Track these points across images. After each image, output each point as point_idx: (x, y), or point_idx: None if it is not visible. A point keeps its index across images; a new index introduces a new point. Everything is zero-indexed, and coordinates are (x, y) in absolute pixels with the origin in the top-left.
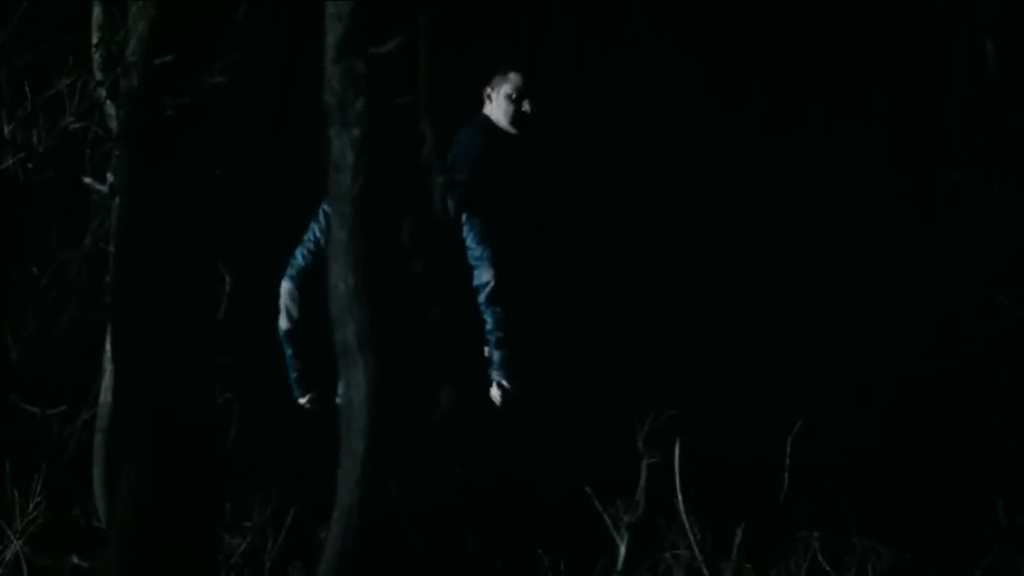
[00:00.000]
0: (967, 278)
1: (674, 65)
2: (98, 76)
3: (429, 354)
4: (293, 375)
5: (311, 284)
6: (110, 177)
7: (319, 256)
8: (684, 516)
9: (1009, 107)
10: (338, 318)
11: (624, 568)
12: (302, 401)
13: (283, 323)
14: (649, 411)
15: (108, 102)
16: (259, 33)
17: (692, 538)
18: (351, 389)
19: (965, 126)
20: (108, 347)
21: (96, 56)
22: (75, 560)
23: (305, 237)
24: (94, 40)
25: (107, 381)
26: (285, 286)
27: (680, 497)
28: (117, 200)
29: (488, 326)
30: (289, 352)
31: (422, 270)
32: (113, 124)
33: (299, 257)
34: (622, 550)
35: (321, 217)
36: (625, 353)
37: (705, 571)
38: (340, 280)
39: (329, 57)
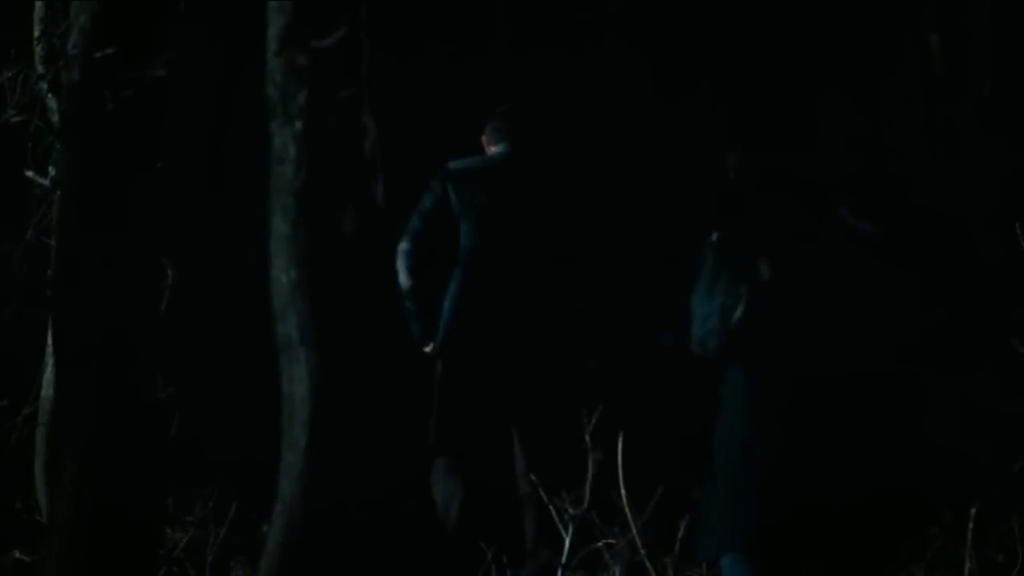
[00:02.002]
0: (913, 274)
1: (620, 58)
2: (40, 69)
3: (372, 348)
4: (419, 326)
5: (426, 246)
6: (51, 171)
7: (432, 222)
8: (627, 509)
9: (955, 100)
10: (280, 312)
11: (568, 561)
12: (427, 350)
13: (405, 281)
14: (597, 404)
15: (50, 95)
16: (202, 27)
17: (635, 531)
18: (293, 383)
19: (912, 119)
20: (49, 341)
21: (38, 49)
22: (17, 555)
23: (421, 205)
24: (36, 33)
25: (48, 375)
26: (404, 247)
27: (623, 491)
28: (58, 194)
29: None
30: (414, 308)
31: (364, 264)
32: (55, 118)
33: (416, 222)
34: (567, 543)
35: (436, 186)
36: (574, 344)
37: (647, 564)
38: (282, 273)
39: (271, 50)
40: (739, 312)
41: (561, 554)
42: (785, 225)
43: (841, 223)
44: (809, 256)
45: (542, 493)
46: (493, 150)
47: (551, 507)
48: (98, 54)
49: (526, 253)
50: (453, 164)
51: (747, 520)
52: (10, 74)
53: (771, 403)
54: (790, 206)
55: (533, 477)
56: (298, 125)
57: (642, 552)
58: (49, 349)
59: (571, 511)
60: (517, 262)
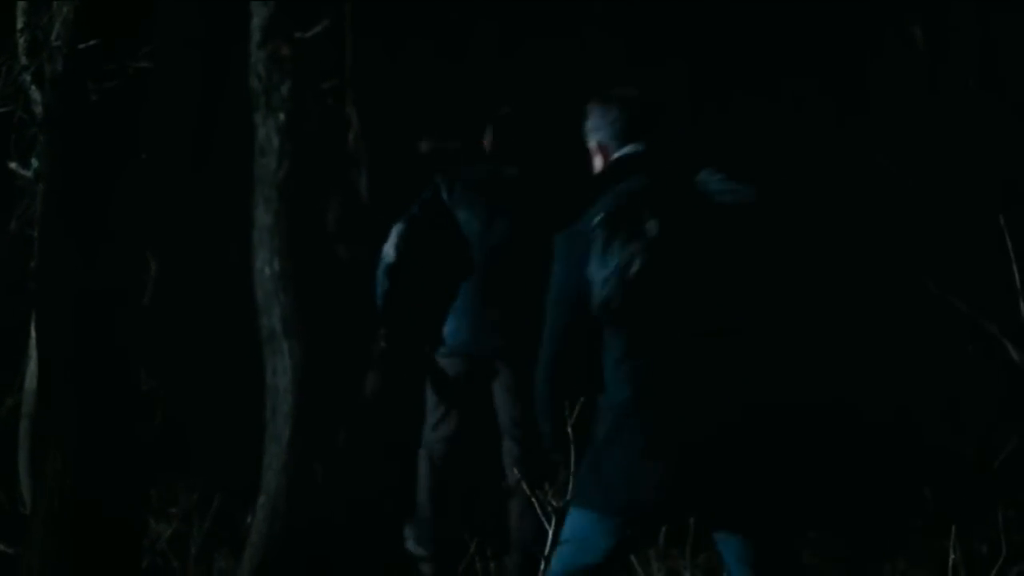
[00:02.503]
0: (896, 265)
1: (598, 43)
2: (23, 61)
3: (355, 340)
4: (381, 303)
5: (422, 234)
6: (35, 162)
7: (430, 213)
8: None
9: (936, 93)
10: (264, 303)
11: (551, 552)
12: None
13: (391, 254)
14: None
15: (33, 87)
16: (185, 17)
17: None
18: (276, 375)
19: (893, 111)
20: (33, 333)
21: (21, 41)
22: (0, 547)
23: (421, 197)
24: (19, 25)
25: (32, 367)
26: (400, 228)
27: None
28: (41, 185)
29: None
30: (386, 287)
31: (347, 256)
32: (38, 109)
33: (415, 209)
34: (550, 534)
35: (436, 184)
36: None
37: (632, 557)
38: (266, 265)
39: (254, 41)
40: (636, 266)
41: (544, 545)
42: (658, 194)
43: (711, 186)
44: (687, 218)
45: (525, 485)
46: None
47: (534, 499)
48: (81, 46)
49: (526, 258)
50: (452, 168)
51: (612, 487)
52: None
53: (652, 371)
54: (657, 180)
55: (516, 470)
56: (281, 117)
57: None
58: (32, 341)
59: (554, 503)
60: (517, 265)
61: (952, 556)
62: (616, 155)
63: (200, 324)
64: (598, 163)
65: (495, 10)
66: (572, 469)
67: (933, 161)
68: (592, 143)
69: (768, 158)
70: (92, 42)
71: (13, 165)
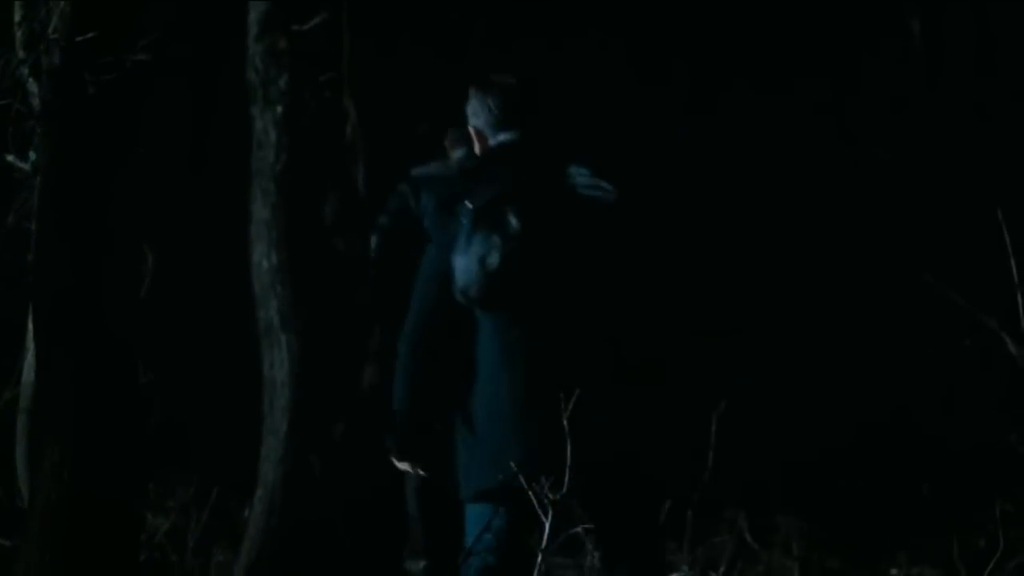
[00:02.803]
0: (894, 260)
1: (597, 42)
2: (21, 54)
3: (352, 333)
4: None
5: (396, 243)
6: (32, 155)
7: (400, 221)
8: None
9: (934, 87)
10: (261, 297)
11: (548, 546)
12: None
13: (375, 241)
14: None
15: (31, 80)
16: (183, 11)
17: None
18: (274, 368)
19: (891, 105)
20: (30, 327)
21: (19, 34)
22: None
23: (386, 206)
24: (16, 18)
25: (29, 360)
26: (375, 242)
27: None
28: (39, 178)
29: None
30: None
31: (344, 249)
32: (36, 102)
33: (384, 220)
34: (547, 528)
35: (401, 190)
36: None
37: None
38: (263, 258)
39: (252, 35)
40: (494, 259)
41: (541, 539)
42: (527, 186)
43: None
44: (552, 213)
45: (522, 479)
46: (455, 154)
47: (530, 492)
48: (79, 38)
49: None
50: (417, 171)
51: (492, 466)
52: None
53: (519, 349)
54: (529, 171)
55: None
56: (279, 110)
57: None
58: (30, 335)
59: (551, 496)
60: None
61: (953, 550)
62: (492, 142)
63: (197, 317)
64: (477, 148)
65: (494, 6)
66: (569, 461)
67: (931, 155)
68: (470, 127)
69: (765, 153)
70: (90, 35)
71: (11, 158)
